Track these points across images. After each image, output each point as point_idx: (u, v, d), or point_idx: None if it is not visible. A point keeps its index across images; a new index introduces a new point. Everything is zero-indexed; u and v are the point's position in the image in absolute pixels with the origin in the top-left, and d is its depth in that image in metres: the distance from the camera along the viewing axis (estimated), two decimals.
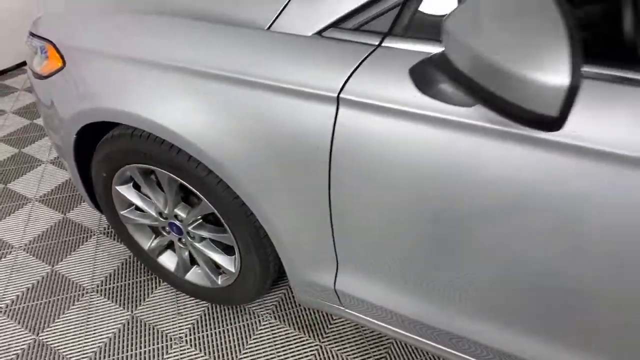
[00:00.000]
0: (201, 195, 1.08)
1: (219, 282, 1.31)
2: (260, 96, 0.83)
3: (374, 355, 1.26)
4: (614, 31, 0.78)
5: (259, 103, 0.84)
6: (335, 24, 0.80)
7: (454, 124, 0.69)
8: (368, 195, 0.82)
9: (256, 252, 1.12)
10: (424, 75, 0.70)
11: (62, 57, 1.11)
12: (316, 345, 1.29)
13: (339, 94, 0.76)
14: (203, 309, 1.40)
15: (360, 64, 0.76)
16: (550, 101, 0.52)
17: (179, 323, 1.35)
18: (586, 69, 0.66)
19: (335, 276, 1.02)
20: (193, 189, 1.08)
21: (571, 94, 0.48)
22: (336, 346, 1.29)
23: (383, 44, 0.78)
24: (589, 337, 0.75)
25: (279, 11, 0.84)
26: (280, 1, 0.84)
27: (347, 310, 1.10)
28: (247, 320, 1.37)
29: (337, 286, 1.03)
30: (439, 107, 0.70)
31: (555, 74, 0.51)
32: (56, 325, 1.33)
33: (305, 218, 0.94)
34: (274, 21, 0.84)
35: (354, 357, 1.26)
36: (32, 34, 1.20)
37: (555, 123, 0.54)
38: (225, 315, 1.38)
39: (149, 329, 1.32)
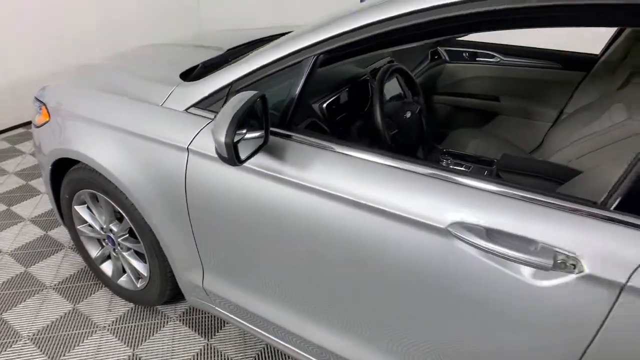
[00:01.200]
0: (123, 214, 1.54)
1: (138, 286, 1.72)
2: (150, 146, 1.32)
3: (248, 355, 1.61)
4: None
5: (149, 150, 1.32)
6: (195, 105, 1.29)
7: (243, 168, 1.13)
8: (210, 218, 1.26)
9: (157, 259, 1.54)
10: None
11: (49, 114, 1.65)
12: (204, 342, 1.65)
13: (188, 146, 1.23)
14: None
15: (203, 128, 1.23)
16: (225, 152, 0.96)
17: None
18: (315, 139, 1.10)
19: (203, 277, 1.43)
20: (118, 209, 1.54)
21: (229, 147, 0.92)
22: (220, 345, 1.64)
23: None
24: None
25: (167, 96, 1.34)
26: (168, 90, 1.35)
27: (217, 308, 1.49)
28: (158, 320, 1.75)
29: (204, 285, 1.43)
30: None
31: (222, 136, 0.93)
32: None
33: (179, 233, 1.37)
34: (164, 101, 1.34)
35: (232, 355, 1.61)
36: (36, 98, 1.76)
37: (235, 163, 0.97)
38: (145, 314, 1.77)
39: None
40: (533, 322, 0.83)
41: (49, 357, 1.59)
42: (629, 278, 0.73)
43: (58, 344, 1.64)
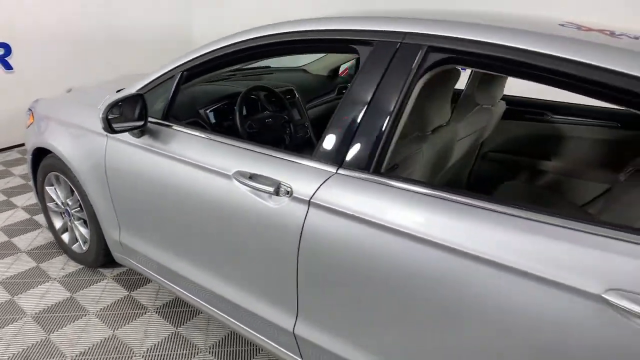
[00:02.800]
0: (74, 189, 2.10)
1: (84, 249, 2.25)
2: (85, 134, 1.89)
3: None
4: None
5: (85, 138, 1.90)
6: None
7: (137, 147, 1.68)
8: (120, 184, 1.79)
9: (94, 224, 2.07)
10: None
11: (34, 117, 2.28)
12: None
13: (108, 136, 1.79)
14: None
15: (128, 130, 1.79)
16: (101, 123, 1.53)
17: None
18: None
19: (119, 232, 1.95)
20: (71, 185, 2.11)
21: (103, 120, 1.48)
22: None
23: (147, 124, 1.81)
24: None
25: (102, 102, 1.94)
26: (105, 99, 1.94)
27: (132, 261, 1.98)
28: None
29: (120, 239, 1.95)
30: (132, 140, 1.70)
31: (101, 113, 1.51)
32: None
33: (104, 199, 1.91)
34: (100, 105, 1.94)
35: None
36: (29, 107, 2.41)
37: (109, 131, 1.54)
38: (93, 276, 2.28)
39: None
40: None
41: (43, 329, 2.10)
42: (312, 195, 1.21)
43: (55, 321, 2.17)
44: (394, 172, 1.35)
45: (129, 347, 1.84)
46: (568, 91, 1.01)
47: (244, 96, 2.00)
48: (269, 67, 2.94)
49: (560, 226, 0.93)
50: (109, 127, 1.53)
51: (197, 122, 1.93)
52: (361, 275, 1.16)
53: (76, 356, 1.78)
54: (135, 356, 1.79)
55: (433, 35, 1.15)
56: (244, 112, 2.11)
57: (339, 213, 1.18)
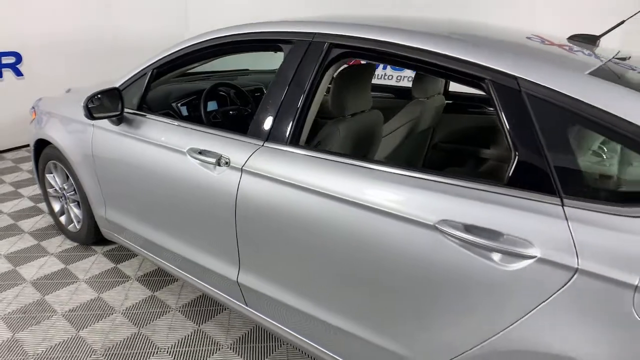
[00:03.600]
0: (69, 174, 2.43)
1: (77, 227, 2.57)
2: (76, 125, 2.22)
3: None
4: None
5: (76, 128, 2.23)
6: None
7: (117, 133, 2.00)
8: (104, 166, 2.12)
9: (85, 204, 2.40)
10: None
11: (36, 114, 2.63)
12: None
13: (93, 122, 2.12)
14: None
15: (107, 117, 2.11)
16: (83, 110, 1.87)
17: None
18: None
19: (105, 209, 2.26)
20: (67, 171, 2.44)
21: (84, 108, 1.81)
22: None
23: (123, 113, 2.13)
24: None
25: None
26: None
27: (118, 236, 2.30)
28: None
29: (106, 215, 2.26)
30: (109, 126, 2.02)
31: (82, 102, 1.85)
32: None
33: (92, 181, 2.24)
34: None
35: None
36: (32, 105, 2.76)
37: (89, 118, 1.88)
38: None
39: None
40: None
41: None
42: (244, 164, 1.51)
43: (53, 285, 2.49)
44: (316, 147, 1.64)
45: (110, 306, 2.14)
46: (427, 74, 1.30)
47: (209, 91, 2.32)
48: (247, 69, 3.26)
49: (414, 177, 1.21)
50: (89, 114, 1.86)
51: (169, 113, 2.25)
52: (282, 228, 1.45)
53: (66, 312, 2.09)
54: (116, 313, 2.10)
55: (334, 35, 1.45)
56: (216, 106, 2.43)
57: (264, 177, 1.47)
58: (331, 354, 1.50)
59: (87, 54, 4.60)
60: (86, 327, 2.00)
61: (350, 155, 1.37)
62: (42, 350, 1.85)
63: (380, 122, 1.90)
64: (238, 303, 1.76)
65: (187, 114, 2.35)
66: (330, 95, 1.68)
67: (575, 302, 0.98)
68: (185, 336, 1.98)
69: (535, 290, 1.02)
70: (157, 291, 2.27)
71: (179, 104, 2.31)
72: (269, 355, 1.91)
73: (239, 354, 1.90)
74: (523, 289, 1.03)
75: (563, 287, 0.99)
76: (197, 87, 2.50)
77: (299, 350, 1.90)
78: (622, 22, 1.53)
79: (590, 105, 1.03)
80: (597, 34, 1.58)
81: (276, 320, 1.64)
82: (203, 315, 2.12)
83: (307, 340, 1.56)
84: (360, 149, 1.80)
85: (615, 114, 1.00)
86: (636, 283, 0.91)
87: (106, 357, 1.83)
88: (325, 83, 1.50)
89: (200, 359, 1.87)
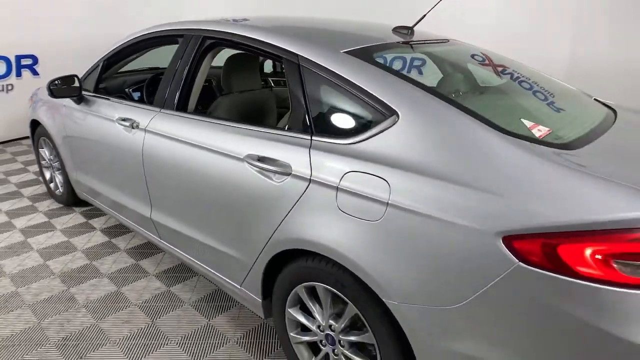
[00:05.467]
0: (53, 146, 3.07)
1: (61, 191, 3.21)
2: (54, 106, 2.85)
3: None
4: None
5: (53, 108, 2.85)
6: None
7: (80, 110, 2.60)
8: (71, 136, 2.72)
9: (63, 169, 3.01)
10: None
11: (33, 100, 3.29)
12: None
13: (63, 104, 2.73)
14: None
15: (67, 96, 2.71)
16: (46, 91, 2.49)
17: None
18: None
19: (76, 173, 2.87)
20: (51, 144, 3.08)
21: (47, 88, 2.40)
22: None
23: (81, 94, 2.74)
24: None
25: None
26: None
27: (84, 194, 2.90)
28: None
29: (76, 177, 2.87)
30: (70, 104, 2.63)
31: (47, 84, 2.48)
32: None
33: (68, 150, 2.86)
34: None
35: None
36: (31, 95, 3.43)
37: (51, 95, 2.50)
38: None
39: None
40: None
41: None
42: (147, 126, 2.06)
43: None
44: (201, 112, 2.15)
45: (73, 245, 2.74)
46: (255, 54, 1.83)
47: (150, 79, 2.90)
48: None
49: (241, 127, 1.72)
50: (51, 93, 2.47)
51: (122, 96, 2.85)
52: (170, 171, 1.98)
53: (42, 248, 2.70)
54: (77, 251, 2.69)
55: (205, 30, 1.99)
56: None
57: (158, 134, 2.01)
58: (205, 266, 2.01)
59: (95, 56, 5.33)
60: (52, 259, 2.60)
61: (208, 115, 1.90)
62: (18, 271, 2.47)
63: (269, 98, 2.40)
64: (155, 237, 2.30)
65: (133, 94, 2.96)
66: (221, 75, 2.21)
67: (311, 201, 1.45)
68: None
69: (292, 196, 1.50)
70: (113, 236, 2.85)
71: (130, 90, 2.91)
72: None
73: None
74: (286, 197, 1.52)
75: (304, 192, 1.46)
76: (146, 77, 3.10)
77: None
78: (424, 16, 1.97)
79: (335, 73, 1.50)
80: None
81: (178, 247, 2.16)
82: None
83: (200, 263, 2.06)
84: (246, 118, 2.32)
85: (348, 78, 1.47)
86: (337, 185, 1.37)
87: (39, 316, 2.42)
88: (205, 66, 2.03)
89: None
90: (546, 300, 1.08)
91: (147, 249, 2.72)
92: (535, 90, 1.77)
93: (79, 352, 1.89)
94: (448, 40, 2.09)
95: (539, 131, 1.33)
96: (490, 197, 1.14)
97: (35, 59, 4.85)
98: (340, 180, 1.38)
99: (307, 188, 1.46)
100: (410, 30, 1.98)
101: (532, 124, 1.36)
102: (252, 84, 2.29)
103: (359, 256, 1.33)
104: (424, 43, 1.97)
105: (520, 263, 1.08)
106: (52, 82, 2.49)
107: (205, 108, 2.20)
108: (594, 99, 1.99)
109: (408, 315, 1.26)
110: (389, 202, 1.27)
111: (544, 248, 1.07)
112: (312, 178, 1.45)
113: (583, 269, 1.04)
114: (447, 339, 1.22)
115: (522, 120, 1.39)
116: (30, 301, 2.22)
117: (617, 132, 1.55)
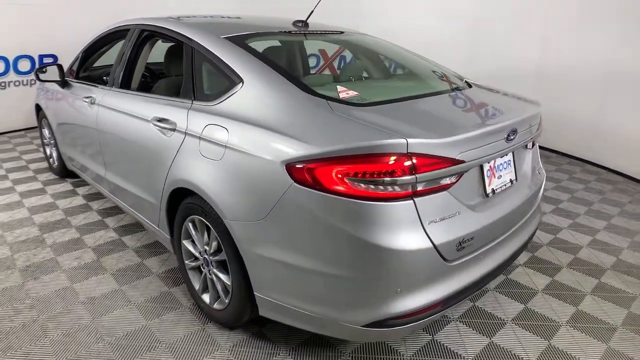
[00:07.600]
0: (49, 125, 3.68)
1: (56, 164, 3.80)
2: (48, 91, 3.44)
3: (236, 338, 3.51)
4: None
5: (47, 94, 3.45)
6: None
7: (63, 94, 3.17)
8: (60, 118, 3.31)
9: (56, 146, 3.60)
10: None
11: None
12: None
13: (63, 87, 3.31)
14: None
15: (52, 81, 3.30)
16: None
17: None
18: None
19: (63, 147, 3.45)
20: (49, 124, 3.69)
21: (35, 74, 2.97)
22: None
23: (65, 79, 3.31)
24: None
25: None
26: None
27: (71, 164, 3.47)
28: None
29: (63, 150, 3.45)
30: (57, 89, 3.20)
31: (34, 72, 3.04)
32: None
33: (58, 127, 3.44)
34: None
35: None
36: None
37: (37, 79, 3.11)
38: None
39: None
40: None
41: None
42: (99, 101, 2.58)
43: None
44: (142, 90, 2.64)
45: (55, 205, 3.30)
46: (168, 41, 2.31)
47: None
48: None
49: (149, 97, 2.20)
50: (37, 78, 3.06)
51: (100, 81, 3.41)
52: (112, 136, 2.48)
53: (32, 206, 3.28)
54: (58, 210, 3.24)
55: (142, 24, 2.50)
56: None
57: (106, 107, 2.54)
58: (137, 212, 2.49)
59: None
60: (37, 214, 3.16)
61: (137, 90, 2.41)
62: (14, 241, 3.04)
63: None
64: (109, 193, 2.80)
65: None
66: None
67: (186, 149, 1.89)
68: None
69: (175, 146, 1.95)
70: (89, 200, 3.40)
71: (104, 77, 3.48)
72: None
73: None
74: (172, 147, 1.97)
75: (182, 142, 1.90)
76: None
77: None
78: (312, 11, 2.37)
79: (211, 51, 1.95)
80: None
81: (120, 198, 2.65)
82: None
83: (133, 210, 2.55)
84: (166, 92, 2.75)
85: (218, 55, 1.92)
86: (200, 135, 1.81)
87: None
88: (144, 53, 2.53)
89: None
90: (316, 212, 1.46)
91: (116, 210, 3.25)
92: (382, 68, 2.18)
93: (37, 276, 2.41)
94: (342, 32, 2.49)
95: (347, 94, 1.71)
96: (283, 137, 1.55)
97: (55, 58, 5.59)
98: (202, 131, 1.82)
99: (184, 139, 1.91)
100: (304, 23, 2.40)
101: (344, 89, 1.74)
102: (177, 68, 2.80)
103: (209, 188, 1.76)
104: (313, 33, 2.38)
105: (294, 183, 1.47)
106: (39, 68, 3.08)
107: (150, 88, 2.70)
108: (465, 80, 2.32)
109: (235, 230, 1.67)
110: (227, 145, 1.69)
111: (307, 171, 1.46)
112: (186, 132, 1.90)
113: (333, 186, 1.42)
114: (259, 247, 1.63)
115: (338, 86, 1.78)
116: (10, 242, 2.77)
117: (436, 102, 1.90)
